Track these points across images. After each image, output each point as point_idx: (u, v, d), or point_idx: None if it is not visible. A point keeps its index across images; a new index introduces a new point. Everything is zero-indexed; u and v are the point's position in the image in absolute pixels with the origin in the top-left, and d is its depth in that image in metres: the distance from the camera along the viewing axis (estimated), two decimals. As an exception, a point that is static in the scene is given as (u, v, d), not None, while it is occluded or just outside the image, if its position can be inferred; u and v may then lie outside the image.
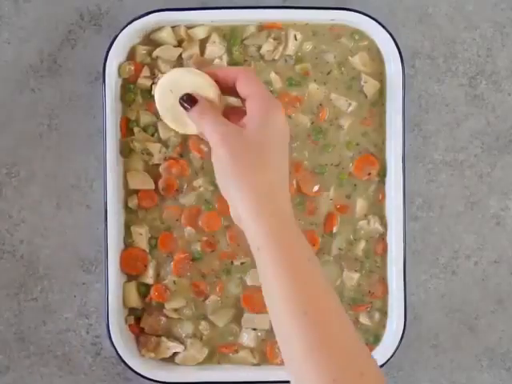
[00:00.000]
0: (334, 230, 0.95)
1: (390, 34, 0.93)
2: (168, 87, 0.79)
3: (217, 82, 0.79)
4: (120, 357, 0.93)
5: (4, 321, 0.98)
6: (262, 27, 0.94)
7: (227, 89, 0.79)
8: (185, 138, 0.95)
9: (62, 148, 0.98)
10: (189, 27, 0.93)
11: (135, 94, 0.94)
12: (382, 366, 0.92)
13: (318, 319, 0.69)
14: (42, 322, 0.99)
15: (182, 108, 0.78)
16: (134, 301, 0.95)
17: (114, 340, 0.92)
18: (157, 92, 0.80)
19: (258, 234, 0.71)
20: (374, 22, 0.93)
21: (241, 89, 0.77)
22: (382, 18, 0.94)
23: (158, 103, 0.80)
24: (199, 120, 0.76)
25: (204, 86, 0.78)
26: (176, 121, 0.80)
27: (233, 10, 0.92)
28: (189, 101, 0.77)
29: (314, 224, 0.95)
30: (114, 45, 0.92)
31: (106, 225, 0.92)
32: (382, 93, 0.95)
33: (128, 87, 0.94)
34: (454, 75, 0.99)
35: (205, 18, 0.92)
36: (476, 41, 0.99)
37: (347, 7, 0.93)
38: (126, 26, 0.92)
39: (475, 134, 0.99)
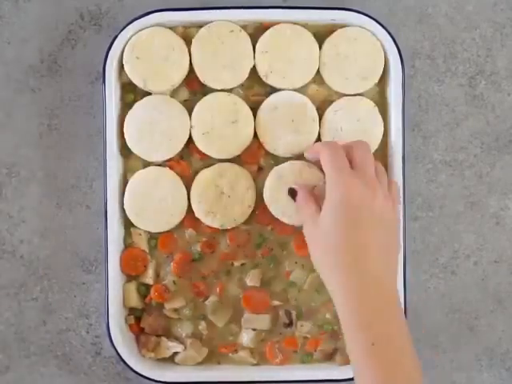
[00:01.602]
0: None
1: (390, 34, 0.93)
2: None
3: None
4: (120, 357, 0.93)
5: (4, 321, 0.99)
6: (262, 27, 0.93)
7: None
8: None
9: (62, 148, 0.98)
10: (188, 27, 0.93)
11: (135, 94, 0.94)
12: (381, 365, 0.93)
13: (385, 357, 0.78)
14: (42, 322, 0.99)
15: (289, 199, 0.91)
16: (134, 301, 0.95)
17: (113, 340, 0.92)
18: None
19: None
20: (374, 21, 0.92)
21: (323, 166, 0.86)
22: (382, 18, 0.94)
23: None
24: (301, 213, 0.89)
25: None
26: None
27: (233, 10, 0.92)
28: (292, 193, 0.91)
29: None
30: (113, 45, 0.92)
31: (106, 225, 0.92)
32: (382, 93, 0.95)
33: (128, 87, 0.94)
34: (453, 75, 0.99)
35: (205, 18, 0.92)
36: (476, 41, 0.99)
37: (347, 7, 0.93)
38: (126, 26, 0.92)
39: (475, 133, 0.99)
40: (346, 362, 0.94)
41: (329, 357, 0.95)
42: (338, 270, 0.81)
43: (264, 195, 0.93)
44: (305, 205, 0.87)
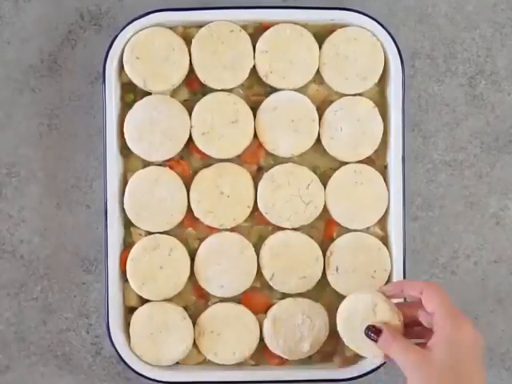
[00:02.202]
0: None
1: (390, 34, 0.93)
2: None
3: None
4: (120, 357, 0.93)
5: (4, 321, 0.99)
6: (262, 27, 0.93)
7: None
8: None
9: (62, 148, 0.98)
10: (188, 27, 0.93)
11: (135, 94, 0.94)
12: (382, 365, 0.92)
13: None
14: (42, 322, 0.99)
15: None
16: (134, 301, 0.94)
17: (113, 340, 0.92)
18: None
19: None
20: (374, 22, 0.92)
21: (426, 304, 0.78)
22: (382, 18, 0.94)
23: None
24: (387, 350, 0.79)
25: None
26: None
27: (233, 10, 0.92)
28: (374, 332, 0.80)
29: (315, 227, 0.95)
30: (113, 45, 0.92)
31: (106, 225, 0.92)
32: (382, 93, 0.95)
33: (128, 87, 0.94)
34: (453, 75, 0.99)
35: (205, 18, 0.92)
36: (476, 41, 0.99)
37: (347, 7, 0.93)
38: (126, 26, 0.92)
39: (475, 133, 0.99)
40: (345, 363, 0.94)
41: (328, 358, 0.95)
42: None
43: (258, 204, 0.93)
44: (405, 350, 0.77)
